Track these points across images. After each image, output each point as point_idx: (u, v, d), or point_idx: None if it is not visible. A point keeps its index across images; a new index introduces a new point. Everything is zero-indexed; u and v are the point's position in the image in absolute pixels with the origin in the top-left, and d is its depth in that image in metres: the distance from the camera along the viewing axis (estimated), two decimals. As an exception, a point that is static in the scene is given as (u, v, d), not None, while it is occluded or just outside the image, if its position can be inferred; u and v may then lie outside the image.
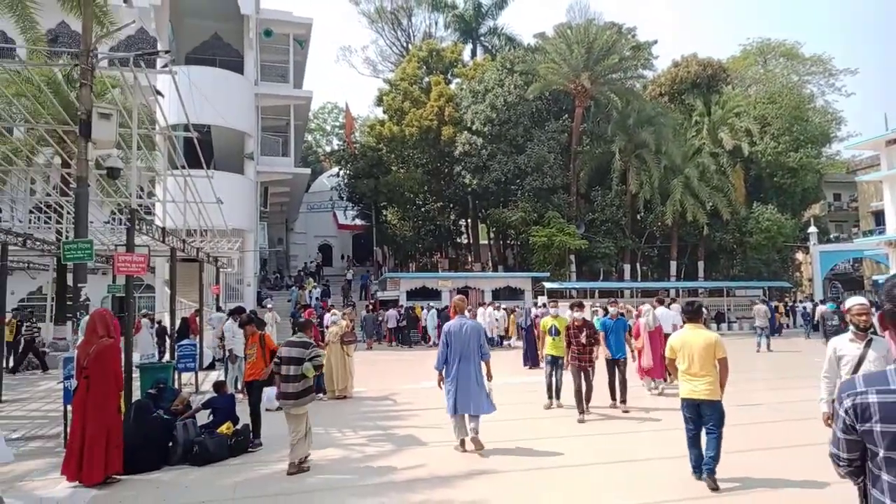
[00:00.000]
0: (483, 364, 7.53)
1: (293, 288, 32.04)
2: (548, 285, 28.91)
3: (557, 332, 10.28)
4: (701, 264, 35.20)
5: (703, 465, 6.04)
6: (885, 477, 1.95)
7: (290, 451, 6.83)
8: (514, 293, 29.37)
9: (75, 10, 11.86)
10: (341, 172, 40.71)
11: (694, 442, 6.23)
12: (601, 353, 10.21)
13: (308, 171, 36.15)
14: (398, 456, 7.51)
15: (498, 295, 29.08)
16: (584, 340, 9.41)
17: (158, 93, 10.46)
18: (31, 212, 18.40)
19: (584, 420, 9.24)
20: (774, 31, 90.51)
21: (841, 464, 2.12)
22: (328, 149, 59.04)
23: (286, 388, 6.81)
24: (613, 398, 10.35)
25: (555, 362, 10.41)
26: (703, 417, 6.04)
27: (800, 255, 41.40)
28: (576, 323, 9.61)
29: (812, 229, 35.77)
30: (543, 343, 10.79)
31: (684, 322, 6.76)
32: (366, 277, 36.25)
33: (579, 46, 31.97)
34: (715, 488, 5.89)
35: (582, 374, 9.41)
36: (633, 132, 32.20)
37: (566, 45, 32.65)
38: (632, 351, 11.41)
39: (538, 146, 31.89)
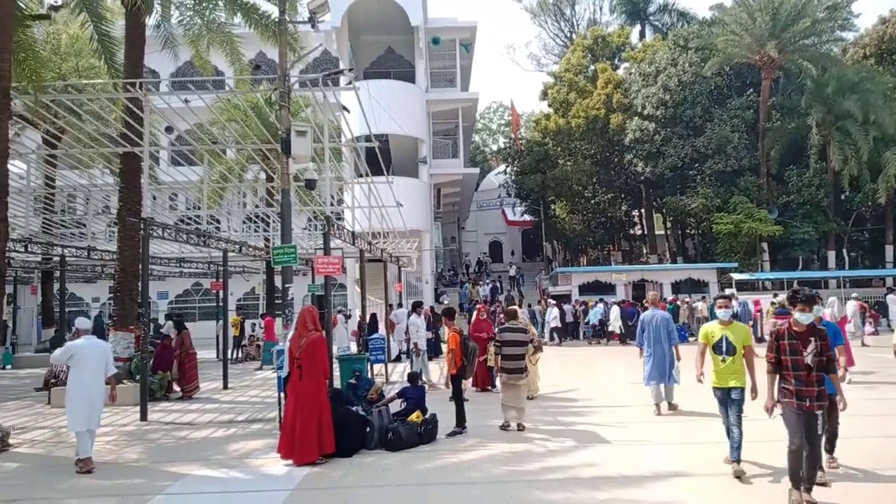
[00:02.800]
0: (673, 347, 9.17)
1: (466, 284, 33.04)
2: (736, 276, 26.72)
3: (731, 351, 6.19)
4: (925, 248, 30.22)
5: None
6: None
7: (510, 413, 8.41)
8: (696, 286, 27.54)
9: (272, 39, 13.30)
10: (508, 169, 41.16)
11: None
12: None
13: (476, 170, 37.11)
14: (581, 452, 7.44)
15: (679, 287, 27.48)
16: (809, 361, 5.26)
17: (345, 108, 11.39)
18: (243, 222, 21.07)
19: None
20: None
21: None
22: (494, 147, 60.01)
23: (510, 366, 8.28)
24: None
25: (728, 399, 6.28)
26: None
27: None
28: (794, 329, 5.41)
29: None
30: (703, 363, 6.65)
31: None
32: (520, 274, 36.36)
33: (763, 13, 29.10)
34: None
35: (804, 423, 5.21)
36: (833, 102, 28.54)
37: (747, 13, 29.91)
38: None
39: (719, 126, 29.57)
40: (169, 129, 22.63)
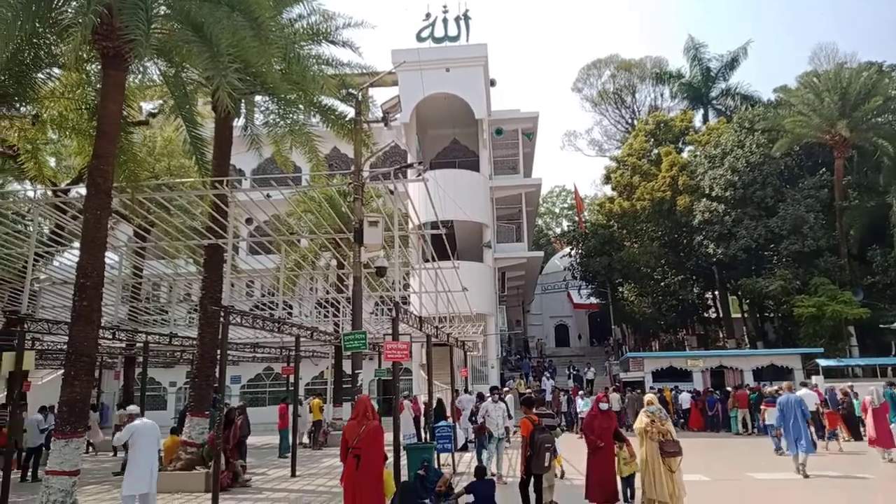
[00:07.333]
0: (807, 422, 11.85)
1: (511, 379, 31.57)
2: (822, 363, 25.02)
3: None
4: None
5: None
6: None
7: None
8: (779, 373, 25.87)
9: (347, 137, 14.17)
10: (573, 252, 40.96)
11: None
12: None
13: (541, 253, 37.13)
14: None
15: (760, 374, 25.93)
16: None
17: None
18: (314, 307, 21.66)
19: None
20: None
21: None
22: (558, 230, 60.10)
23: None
24: None
25: None
26: None
27: None
28: None
29: None
30: None
31: None
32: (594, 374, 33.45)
33: (831, 94, 28.79)
34: None
35: None
36: (915, 178, 27.38)
37: (814, 94, 29.68)
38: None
39: (793, 206, 28.73)
40: (249, 221, 24.00)
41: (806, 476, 11.67)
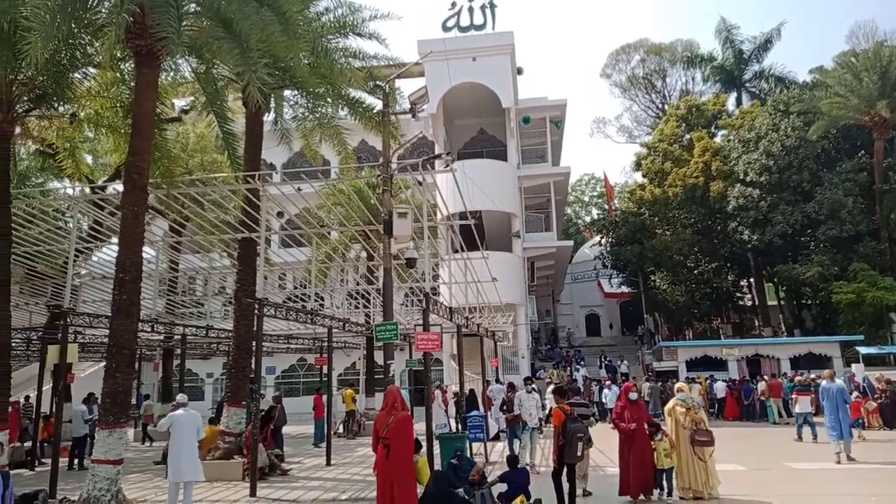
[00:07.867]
0: (848, 406, 12.41)
1: (542, 369, 31.39)
2: (862, 350, 24.40)
3: None
4: None
5: None
6: None
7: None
8: (817, 361, 25.32)
9: (375, 129, 14.21)
10: (603, 241, 40.54)
11: None
12: None
13: (570, 242, 36.83)
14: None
15: (797, 363, 25.40)
16: None
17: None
18: (345, 299, 21.88)
19: None
20: None
21: None
22: (588, 219, 59.49)
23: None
24: None
25: None
26: None
27: None
28: None
29: None
30: None
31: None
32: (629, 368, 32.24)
33: (870, 73, 27.89)
34: None
35: None
36: (961, 159, 26.40)
37: (852, 74, 28.76)
38: None
39: (830, 190, 27.97)
40: (280, 214, 24.28)
41: (850, 459, 11.92)
